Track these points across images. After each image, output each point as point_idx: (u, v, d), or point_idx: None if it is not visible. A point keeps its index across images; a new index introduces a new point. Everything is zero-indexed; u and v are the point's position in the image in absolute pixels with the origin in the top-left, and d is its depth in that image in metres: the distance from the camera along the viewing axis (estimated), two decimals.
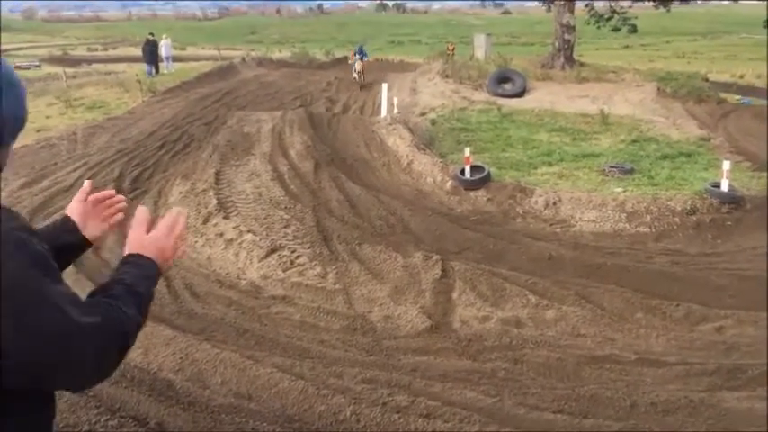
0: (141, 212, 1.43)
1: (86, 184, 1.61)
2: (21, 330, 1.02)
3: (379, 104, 14.17)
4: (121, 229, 1.67)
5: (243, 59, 26.33)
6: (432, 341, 5.01)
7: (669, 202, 8.13)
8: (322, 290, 5.90)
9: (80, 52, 40.09)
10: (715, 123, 14.32)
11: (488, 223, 8.14)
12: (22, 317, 1.03)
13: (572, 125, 13.40)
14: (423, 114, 14.35)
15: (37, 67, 28.20)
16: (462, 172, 9.21)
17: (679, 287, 5.97)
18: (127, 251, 1.36)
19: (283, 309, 5.60)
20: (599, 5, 23.48)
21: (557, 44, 21.29)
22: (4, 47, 32.01)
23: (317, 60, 28.08)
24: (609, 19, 23.06)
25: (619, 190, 8.88)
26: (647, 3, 23.65)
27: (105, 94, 17.99)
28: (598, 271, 6.39)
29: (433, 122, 13.52)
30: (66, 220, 1.54)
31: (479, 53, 24.92)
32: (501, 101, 15.92)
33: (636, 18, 23.06)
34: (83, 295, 1.22)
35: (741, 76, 22.80)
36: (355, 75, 20.08)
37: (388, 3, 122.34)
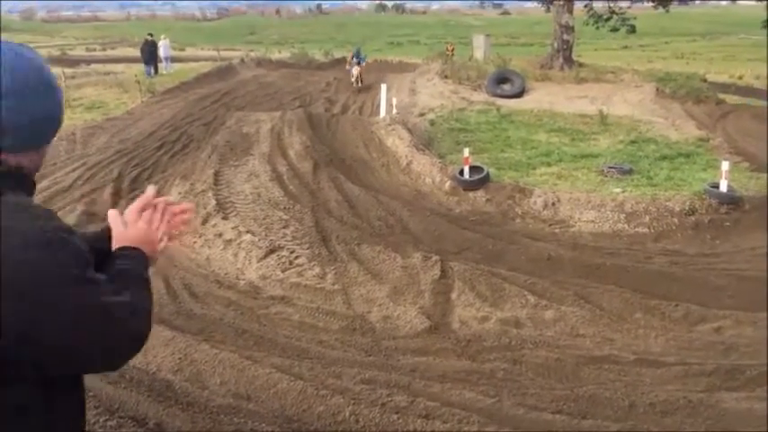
0: (112, 215, 1.43)
1: (150, 189, 1.57)
2: (64, 324, 1.07)
3: (378, 105, 14.17)
4: None
5: (242, 60, 26.33)
6: (431, 341, 5.01)
7: (668, 203, 8.13)
8: (321, 290, 5.89)
9: (79, 52, 40.05)
10: (714, 124, 14.33)
11: (487, 224, 8.14)
12: (64, 311, 1.07)
13: (571, 125, 13.41)
14: (422, 115, 14.35)
15: None
16: (461, 172, 9.21)
17: (678, 287, 5.97)
18: (114, 247, 1.38)
19: (282, 309, 5.60)
20: (598, 6, 23.50)
21: (555, 45, 21.32)
22: None
23: (315, 61, 28.07)
24: (608, 19, 23.08)
25: (618, 190, 8.89)
26: (645, 3, 23.69)
27: (104, 95, 17.97)
28: (597, 271, 6.39)
29: (432, 123, 13.53)
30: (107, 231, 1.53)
31: (478, 54, 24.95)
32: (500, 101, 15.93)
33: (635, 18, 23.08)
34: None
35: (740, 77, 22.84)
36: (353, 80, 19.59)
37: (387, 3, 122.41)
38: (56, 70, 23.65)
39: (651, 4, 23.64)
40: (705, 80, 19.28)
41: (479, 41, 26.16)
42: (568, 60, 21.06)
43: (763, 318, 5.14)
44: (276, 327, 5.26)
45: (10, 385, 1.07)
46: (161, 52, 23.59)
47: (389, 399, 3.91)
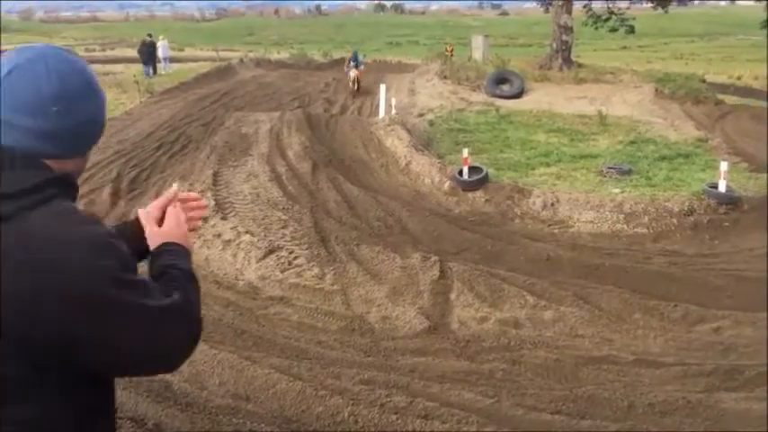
0: (143, 214, 1.45)
1: (175, 186, 1.58)
2: (116, 327, 1.08)
3: (377, 105, 14.17)
4: None
5: (241, 60, 26.31)
6: (430, 342, 5.00)
7: (667, 203, 8.14)
8: (320, 291, 5.89)
9: (78, 53, 40.00)
10: (712, 124, 14.35)
11: (486, 224, 8.14)
12: (115, 315, 1.08)
13: (570, 126, 13.42)
14: (421, 115, 14.35)
15: None
16: (460, 173, 9.21)
17: (677, 288, 5.98)
18: (152, 246, 1.39)
19: (281, 310, 5.59)
20: (597, 6, 23.51)
21: (554, 45, 21.32)
22: (1, 47, 32.01)
23: (314, 61, 28.05)
24: (606, 20, 23.09)
25: (617, 191, 8.89)
26: (644, 4, 23.73)
27: None
28: (596, 272, 6.39)
29: (431, 123, 13.53)
30: (139, 223, 1.53)
31: (477, 54, 24.95)
32: (499, 102, 15.93)
33: (633, 19, 23.09)
34: None
35: (738, 78, 22.86)
36: (350, 83, 18.98)
37: (386, 3, 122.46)
38: None
39: (650, 4, 23.67)
40: (704, 81, 19.30)
41: (478, 42, 26.16)
42: (567, 61, 21.07)
43: (761, 318, 5.14)
44: (275, 327, 5.25)
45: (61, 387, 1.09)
46: (160, 53, 23.58)
47: (388, 399, 3.91)
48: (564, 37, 20.99)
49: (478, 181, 9.07)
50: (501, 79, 17.54)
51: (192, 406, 3.83)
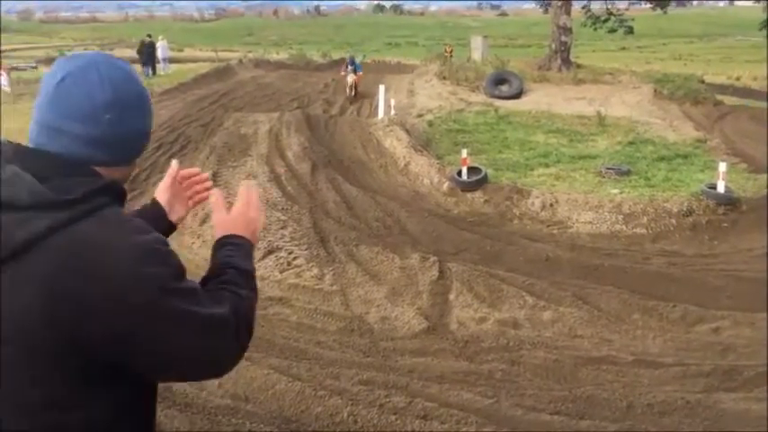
0: (217, 195, 1.47)
1: (174, 164, 1.61)
2: (166, 334, 1.10)
3: (376, 106, 14.17)
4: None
5: (240, 61, 26.31)
6: (429, 342, 5.00)
7: (666, 204, 8.14)
8: (319, 291, 5.89)
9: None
10: (711, 125, 14.36)
11: (485, 225, 8.14)
12: (167, 322, 1.09)
13: (569, 127, 13.43)
14: (420, 116, 14.35)
15: (33, 68, 28.14)
16: (459, 173, 9.21)
17: (676, 288, 5.98)
18: (217, 235, 1.39)
19: (280, 310, 5.59)
20: (595, 7, 23.54)
21: (553, 46, 21.33)
22: (1, 47, 31.94)
23: (314, 62, 28.06)
24: (605, 21, 23.12)
25: (615, 191, 8.90)
26: (643, 4, 23.77)
27: None
28: (595, 272, 6.40)
29: (430, 124, 13.54)
30: (156, 205, 1.58)
31: (476, 55, 24.98)
32: (498, 102, 15.93)
33: (632, 20, 23.14)
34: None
35: (737, 78, 22.90)
36: (347, 89, 18.16)
37: (385, 4, 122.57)
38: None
39: (649, 5, 23.71)
40: (703, 81, 19.32)
41: (477, 43, 26.19)
42: (566, 62, 21.08)
43: (760, 318, 5.14)
44: (274, 328, 5.25)
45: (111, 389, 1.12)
46: (159, 53, 23.56)
47: (387, 399, 3.90)
48: (563, 38, 21.00)
49: (477, 182, 9.07)
50: (500, 80, 17.54)
51: (192, 406, 3.83)
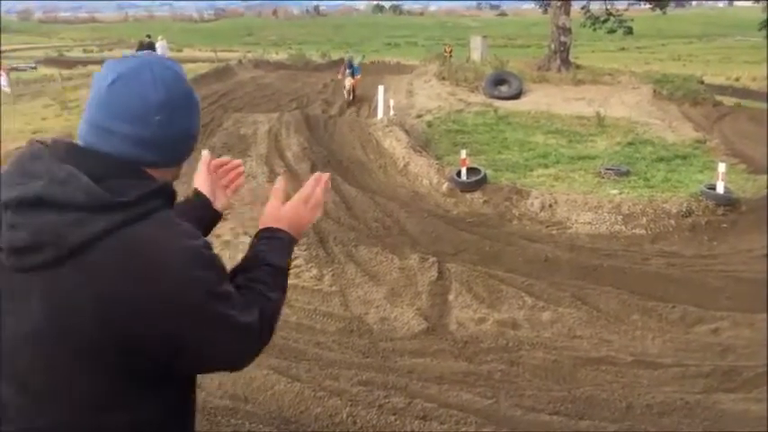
0: (280, 183, 1.49)
1: (206, 153, 1.61)
2: (206, 336, 1.12)
3: (376, 106, 14.17)
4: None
5: (239, 61, 26.28)
6: (428, 343, 5.00)
7: (665, 205, 8.15)
8: (318, 292, 5.89)
9: (76, 54, 40.03)
10: (711, 126, 14.37)
11: (484, 225, 8.14)
12: (205, 324, 1.11)
13: (568, 127, 13.43)
14: (419, 116, 14.36)
15: (33, 68, 28.17)
16: (458, 174, 9.22)
17: (675, 289, 5.98)
18: (261, 224, 1.40)
19: None
20: (595, 8, 23.55)
21: (553, 46, 21.32)
22: (1, 47, 31.95)
23: (313, 62, 28.05)
24: (605, 21, 23.12)
25: (615, 192, 8.90)
26: (642, 5, 23.76)
27: None
28: (594, 273, 6.40)
29: (430, 124, 13.54)
30: (199, 195, 1.58)
31: (475, 55, 24.96)
32: (497, 103, 15.93)
33: (631, 20, 23.13)
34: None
35: (737, 79, 22.91)
36: (345, 92, 17.65)
37: (385, 4, 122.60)
38: (52, 72, 23.64)
39: (648, 5, 23.71)
40: (702, 82, 19.32)
41: (476, 43, 26.17)
42: (565, 62, 21.07)
43: (760, 319, 5.14)
44: None
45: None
46: (158, 53, 23.53)
47: (387, 400, 3.90)
48: (562, 38, 21.00)
49: (477, 182, 9.07)
50: (499, 80, 17.54)
51: None
